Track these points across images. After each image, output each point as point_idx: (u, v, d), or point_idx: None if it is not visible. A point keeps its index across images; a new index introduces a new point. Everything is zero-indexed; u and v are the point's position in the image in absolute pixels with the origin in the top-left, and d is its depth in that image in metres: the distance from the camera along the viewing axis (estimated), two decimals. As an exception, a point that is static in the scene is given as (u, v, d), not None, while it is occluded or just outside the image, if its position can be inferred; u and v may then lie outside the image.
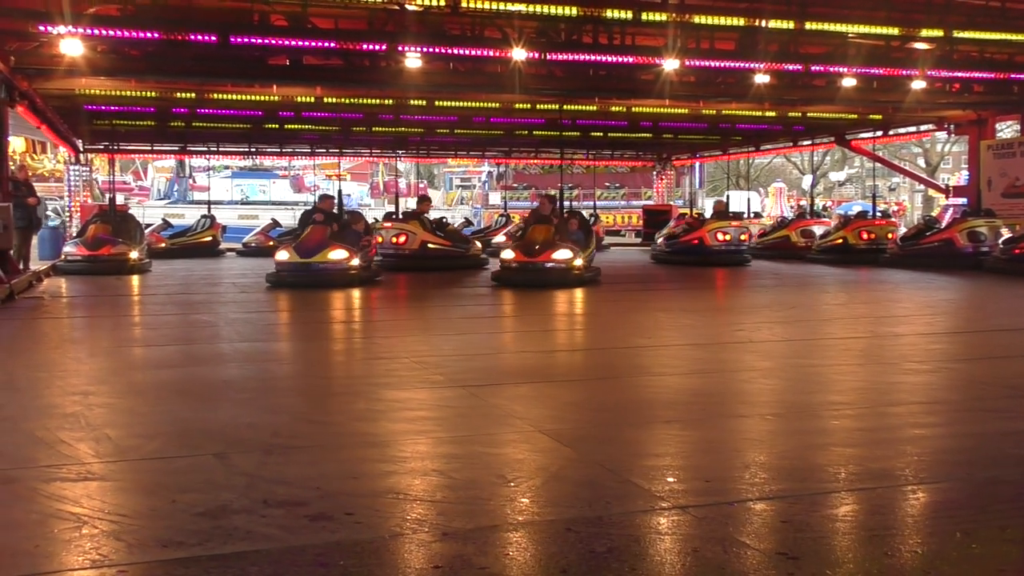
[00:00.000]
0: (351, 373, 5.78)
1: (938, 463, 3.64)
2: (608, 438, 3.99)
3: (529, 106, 17.80)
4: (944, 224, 18.20)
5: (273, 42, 11.59)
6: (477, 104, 17.68)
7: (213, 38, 11.08)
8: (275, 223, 23.20)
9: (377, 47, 12.00)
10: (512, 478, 3.33)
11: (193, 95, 16.14)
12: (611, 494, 3.12)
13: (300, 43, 11.63)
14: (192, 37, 11.15)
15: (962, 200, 21.04)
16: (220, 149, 27.16)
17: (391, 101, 17.24)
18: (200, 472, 3.38)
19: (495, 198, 37.54)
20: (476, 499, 3.09)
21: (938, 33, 11.79)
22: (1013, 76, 14.99)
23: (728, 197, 23.55)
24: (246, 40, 11.31)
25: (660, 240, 19.26)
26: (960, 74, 14.90)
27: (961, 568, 2.51)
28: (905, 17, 11.83)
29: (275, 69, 13.39)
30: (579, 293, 11.44)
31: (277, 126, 20.62)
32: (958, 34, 11.89)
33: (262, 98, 16.63)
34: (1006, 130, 24.68)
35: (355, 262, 12.33)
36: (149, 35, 10.98)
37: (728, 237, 16.75)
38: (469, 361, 6.28)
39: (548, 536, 2.74)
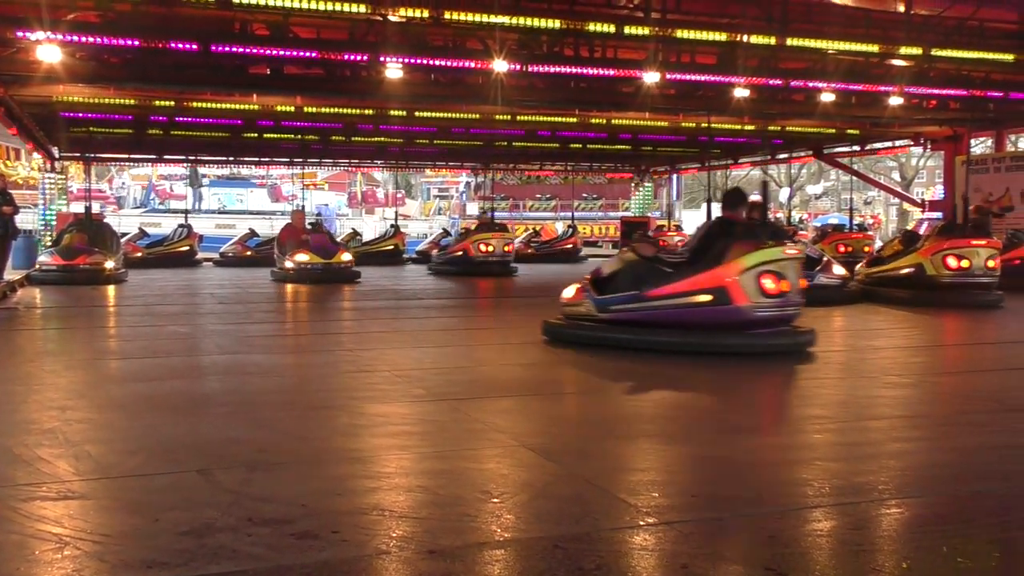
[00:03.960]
0: (332, 386, 5.74)
1: (922, 477, 3.66)
2: (593, 453, 3.98)
3: (509, 117, 17.82)
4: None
5: (254, 51, 11.55)
6: (457, 115, 17.69)
7: (194, 46, 11.02)
8: (252, 233, 23.09)
9: (358, 57, 11.98)
10: (497, 494, 3.32)
11: (172, 103, 16.04)
12: (598, 510, 3.11)
13: (281, 52, 11.61)
14: (172, 45, 11.09)
15: (937, 214, 21.26)
16: (198, 158, 27.01)
17: (371, 111, 17.20)
18: (183, 489, 3.34)
19: (473, 208, 37.53)
20: (462, 516, 3.07)
21: (916, 51, 11.91)
22: (989, 94, 15.19)
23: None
24: (227, 49, 11.25)
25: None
26: (937, 91, 15.09)
27: (947, 585, 2.52)
28: (884, 34, 11.96)
29: (255, 78, 13.35)
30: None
31: (256, 135, 20.53)
32: (936, 52, 12.03)
33: (242, 107, 16.55)
34: (979, 146, 24.97)
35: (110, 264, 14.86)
36: (129, 42, 10.92)
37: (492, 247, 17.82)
38: (450, 374, 6.26)
39: (536, 553, 2.73)
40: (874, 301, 11.27)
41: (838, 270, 11.51)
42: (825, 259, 11.62)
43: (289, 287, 14.39)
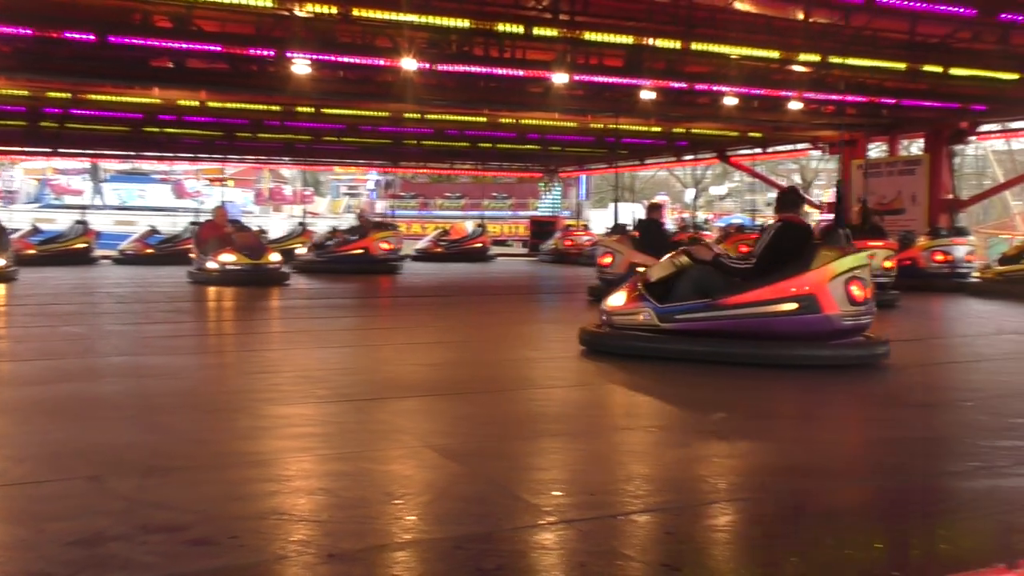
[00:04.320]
0: (233, 388, 5.63)
1: (815, 473, 3.77)
2: (496, 453, 3.99)
3: (419, 116, 17.78)
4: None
5: (156, 43, 11.25)
6: (366, 112, 17.56)
7: (91, 37, 10.67)
8: (153, 230, 22.46)
9: (265, 52, 11.78)
10: (400, 495, 3.30)
11: (68, 95, 15.51)
12: (499, 510, 3.12)
13: (184, 45, 11.33)
14: (68, 35, 10.71)
15: (834, 215, 21.96)
16: (96, 152, 26.15)
17: (278, 107, 16.96)
18: (73, 497, 3.22)
19: (382, 206, 37.29)
20: (363, 518, 3.05)
21: (815, 58, 12.30)
22: (882, 100, 15.79)
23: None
24: (127, 41, 10.93)
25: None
26: (834, 97, 15.61)
27: (836, 573, 2.61)
28: (784, 41, 12.31)
29: (157, 71, 13.00)
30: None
31: (158, 129, 20.00)
32: (833, 59, 12.43)
33: (142, 100, 16.12)
34: (874, 150, 25.89)
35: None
36: (22, 31, 10.51)
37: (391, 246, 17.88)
38: (354, 375, 6.20)
39: (436, 555, 2.72)
40: None
41: None
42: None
43: (209, 289, 13.96)
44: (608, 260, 12.02)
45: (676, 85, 14.12)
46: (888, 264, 11.71)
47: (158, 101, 16.21)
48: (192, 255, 15.85)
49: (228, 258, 14.00)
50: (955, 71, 13.10)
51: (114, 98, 15.84)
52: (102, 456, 3.80)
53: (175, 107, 16.71)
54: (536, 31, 11.15)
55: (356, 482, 3.49)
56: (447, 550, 2.74)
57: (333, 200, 44.85)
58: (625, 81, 13.55)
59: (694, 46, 11.89)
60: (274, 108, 17.08)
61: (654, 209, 12.67)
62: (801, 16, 12.04)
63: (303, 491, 3.37)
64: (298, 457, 3.87)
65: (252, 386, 5.71)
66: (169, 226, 26.34)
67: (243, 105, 16.74)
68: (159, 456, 3.81)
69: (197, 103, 16.42)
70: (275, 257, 14.68)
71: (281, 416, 4.73)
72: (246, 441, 4.21)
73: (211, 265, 14.01)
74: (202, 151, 25.80)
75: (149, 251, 21.06)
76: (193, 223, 22.53)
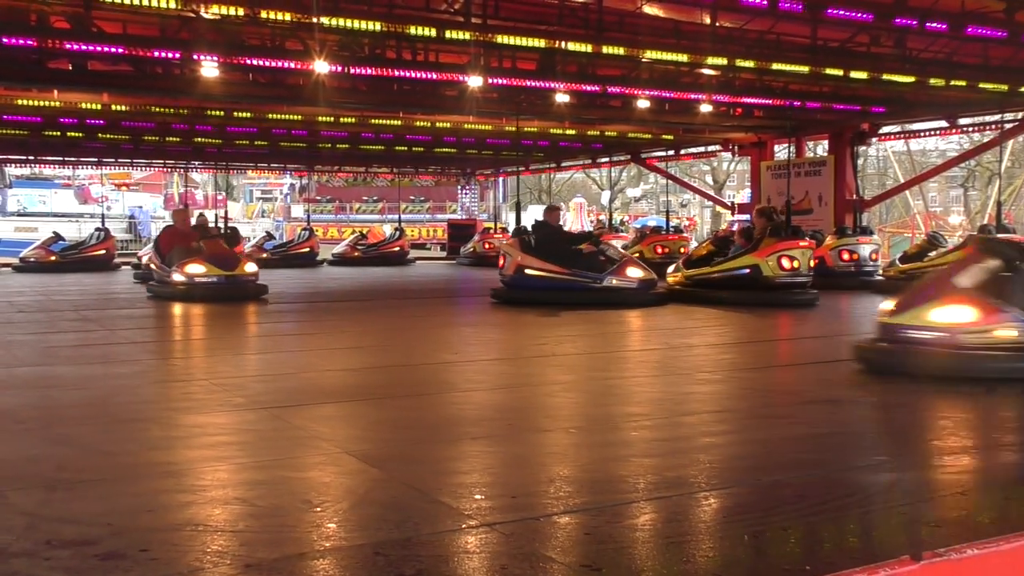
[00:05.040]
0: (144, 397, 5.47)
1: (728, 469, 3.85)
2: (416, 457, 3.97)
3: (332, 119, 17.60)
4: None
5: (53, 44, 10.88)
6: (278, 116, 17.31)
7: (-17, 38, 10.28)
8: (57, 236, 21.74)
9: (170, 54, 11.50)
10: (318, 503, 3.26)
11: (-43, 98, 14.93)
12: (420, 515, 3.10)
13: (84, 47, 10.96)
14: (-41, 35, 10.30)
15: (746, 216, 22.50)
16: (-6, 157, 25.21)
17: (186, 110, 16.58)
18: (-28, 514, 3.09)
19: (298, 211, 36.81)
20: (281, 527, 2.99)
21: (722, 61, 12.56)
22: (788, 103, 16.22)
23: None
24: (22, 41, 10.55)
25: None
26: (742, 100, 15.99)
27: (749, 568, 2.66)
28: (693, 45, 12.55)
29: (56, 73, 12.57)
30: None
31: (59, 133, 19.35)
32: (740, 63, 12.72)
33: (41, 103, 15.58)
34: (782, 151, 26.59)
35: None
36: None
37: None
38: (271, 381, 6.10)
39: (356, 561, 2.69)
40: (688, 302, 11.70)
41: (634, 272, 11.55)
42: (623, 260, 11.75)
43: (123, 298, 13.48)
44: (501, 262, 12.30)
45: (589, 88, 14.26)
46: (811, 264, 12.10)
47: (58, 104, 15.69)
48: (143, 264, 15.21)
49: (196, 269, 12.21)
50: (855, 74, 13.53)
51: (10, 101, 15.28)
52: (3, 471, 3.66)
53: (77, 110, 16.19)
54: (448, 34, 11.13)
55: (273, 490, 3.43)
56: (367, 556, 2.71)
57: (247, 205, 44.08)
58: (539, 84, 13.64)
59: (605, 49, 12.03)
60: (182, 111, 16.70)
61: (549, 211, 12.80)
62: (708, 20, 12.28)
63: (219, 501, 3.30)
64: (213, 467, 3.79)
65: (165, 395, 5.56)
66: (74, 232, 25.53)
67: (149, 108, 16.32)
68: (65, 469, 3.69)
69: (99, 106, 15.94)
70: (251, 267, 12.91)
71: (195, 425, 4.62)
72: (159, 452, 4.09)
73: (177, 278, 12.18)
74: (107, 155, 25.07)
75: (53, 258, 20.39)
76: (99, 229, 21.96)
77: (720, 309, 10.97)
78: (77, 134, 19.46)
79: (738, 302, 11.29)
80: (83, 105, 15.88)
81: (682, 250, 19.17)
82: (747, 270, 11.65)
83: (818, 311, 11.27)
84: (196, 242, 12.63)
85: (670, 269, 12.94)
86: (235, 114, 16.99)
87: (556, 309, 10.67)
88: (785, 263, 11.58)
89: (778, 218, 12.41)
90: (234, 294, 12.20)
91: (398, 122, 18.49)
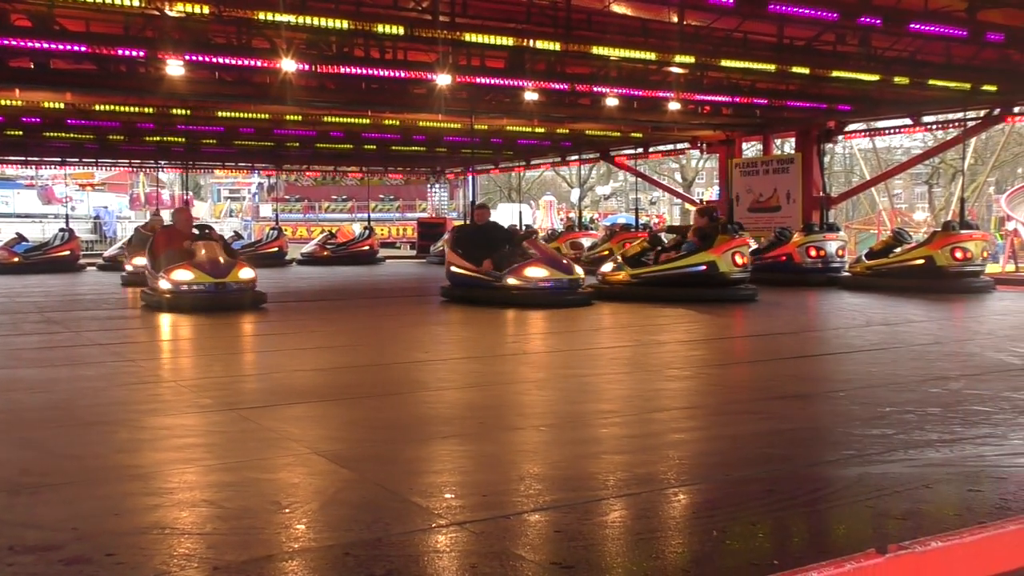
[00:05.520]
0: (110, 400, 5.41)
1: (697, 465, 3.88)
2: (386, 457, 3.96)
3: (300, 118, 17.50)
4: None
5: (14, 43, 10.72)
6: (245, 115, 17.17)
7: (-58, 36, 10.12)
8: (20, 237, 21.45)
9: (134, 53, 11.38)
10: (287, 504, 3.24)
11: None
12: (390, 515, 3.10)
13: (46, 45, 10.81)
14: (-84, 33, 10.14)
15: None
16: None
17: (151, 109, 16.40)
18: (-67, 520, 3.05)
19: (266, 210, 36.57)
20: (249, 528, 2.98)
21: (690, 59, 12.62)
22: (755, 101, 16.34)
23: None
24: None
25: None
26: (710, 98, 16.09)
27: (718, 564, 2.68)
28: (661, 43, 12.60)
29: (17, 72, 12.40)
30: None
31: (21, 133, 19.08)
32: (707, 61, 12.78)
33: (3, 103, 15.35)
34: (750, 149, 26.79)
35: None
36: None
37: None
38: (240, 383, 6.05)
39: (326, 562, 2.68)
40: (628, 300, 11.71)
41: (534, 272, 11.26)
42: (527, 260, 11.39)
43: (87, 298, 13.37)
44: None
45: (558, 86, 14.29)
46: (747, 260, 12.29)
47: (20, 103, 15.47)
48: (129, 268, 14.75)
49: (183, 276, 10.90)
50: (821, 72, 13.65)
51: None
52: (-34, 477, 3.61)
53: (39, 109, 15.98)
54: (416, 32, 11.10)
55: (242, 492, 3.41)
56: (336, 557, 2.70)
57: (215, 204, 43.72)
58: (508, 82, 13.64)
59: (573, 47, 12.04)
60: (147, 110, 16.52)
61: (478, 210, 12.94)
62: (675, 19, 12.34)
63: (186, 503, 3.27)
64: (180, 469, 3.75)
65: (131, 397, 5.50)
66: (38, 233, 25.20)
67: (113, 107, 16.13)
68: (29, 473, 3.64)
69: (62, 105, 15.74)
70: (247, 273, 11.40)
71: (163, 427, 4.57)
72: (125, 454, 4.05)
73: (163, 285, 10.93)
74: (71, 155, 24.76)
75: (16, 260, 20.12)
76: (63, 229, 21.68)
77: (664, 307, 11.01)
78: (41, 133, 19.19)
79: (676, 299, 11.39)
80: (46, 104, 15.67)
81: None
82: (703, 267, 11.76)
83: (780, 307, 11.38)
84: (189, 243, 11.42)
85: (607, 268, 12.82)
86: (202, 113, 16.84)
87: (529, 308, 10.69)
88: (738, 259, 11.81)
89: (718, 216, 12.69)
90: (227, 303, 10.88)
91: (367, 120, 18.41)
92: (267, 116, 17.55)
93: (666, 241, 12.87)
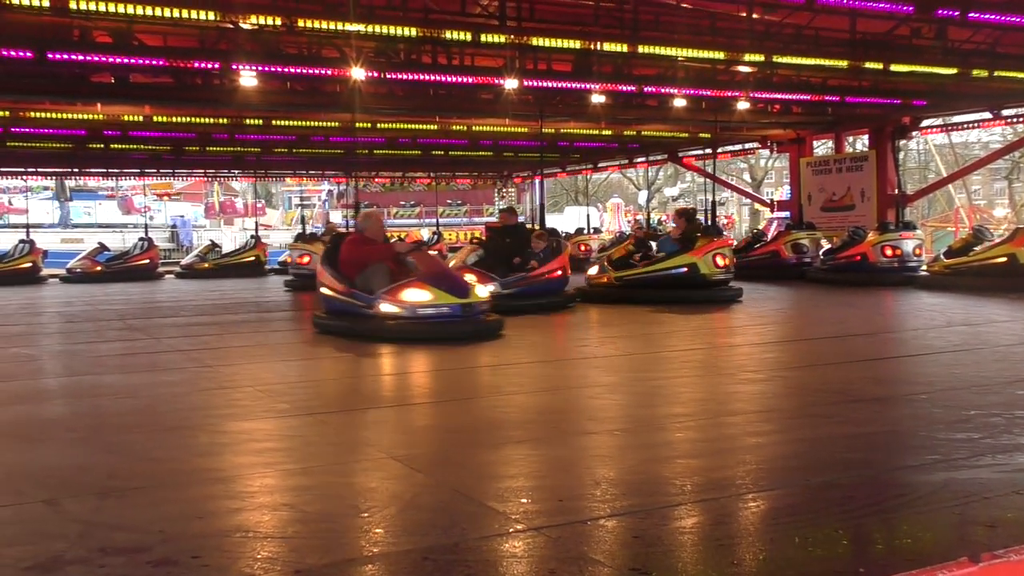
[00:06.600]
0: (190, 405, 5.54)
1: (775, 470, 3.81)
2: (461, 462, 3.97)
3: (369, 125, 17.70)
4: (770, 237, 19.24)
5: (96, 59, 11.06)
6: (316, 123, 17.44)
7: (28, 54, 10.47)
8: (102, 247, 22.09)
9: (210, 65, 11.65)
10: (365, 508, 3.27)
11: (7, 113, 15.21)
12: (466, 519, 3.11)
13: (126, 60, 11.14)
14: (4, 52, 10.51)
15: (785, 213, 22.29)
16: (38, 170, 25.64)
17: (225, 120, 16.76)
18: (28, 522, 3.15)
19: (336, 216, 37.05)
20: (329, 532, 3.01)
21: (759, 57, 12.45)
22: (827, 98, 16.03)
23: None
24: (65, 56, 10.74)
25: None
26: (780, 96, 15.83)
27: (801, 571, 2.63)
28: (729, 42, 12.45)
29: (99, 87, 12.80)
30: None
31: (102, 145, 19.67)
32: (777, 59, 12.59)
33: (85, 116, 15.85)
34: (821, 147, 26.29)
35: None
36: (-44, 50, 10.29)
37: None
38: (315, 387, 6.14)
39: (405, 567, 2.70)
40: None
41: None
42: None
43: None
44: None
45: (625, 88, 14.20)
46: (732, 261, 12.31)
47: (101, 117, 15.95)
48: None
49: (420, 296, 8.50)
50: (896, 67, 13.34)
51: (55, 115, 15.57)
52: (56, 479, 3.72)
53: (120, 122, 16.46)
54: (483, 38, 11.15)
55: (320, 496, 3.46)
56: (415, 561, 2.72)
57: (286, 212, 44.48)
58: (574, 85, 13.62)
59: (641, 49, 11.97)
60: (222, 121, 16.89)
61: (510, 213, 12.56)
62: (744, 15, 12.18)
63: (267, 507, 3.33)
64: (261, 472, 3.82)
65: (210, 402, 5.62)
66: (119, 243, 25.89)
67: (189, 119, 16.54)
68: (116, 477, 3.74)
69: (141, 118, 16.19)
70: (483, 291, 9.24)
71: (241, 431, 4.66)
72: (206, 458, 4.14)
73: (387, 308, 8.47)
74: (149, 166, 25.44)
75: (98, 269, 20.72)
76: (142, 238, 22.22)
77: (757, 304, 10.86)
78: (121, 145, 19.75)
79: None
80: (126, 117, 16.13)
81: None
82: (684, 269, 11.82)
83: (855, 308, 11.13)
84: (404, 255, 9.11)
85: (593, 271, 12.89)
86: (274, 122, 17.16)
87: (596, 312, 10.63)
88: (720, 261, 11.85)
89: (698, 219, 12.83)
90: (470, 331, 8.45)
91: (434, 126, 18.55)
92: (337, 124, 17.80)
93: (654, 245, 12.96)
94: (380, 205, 38.08)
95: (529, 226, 13.22)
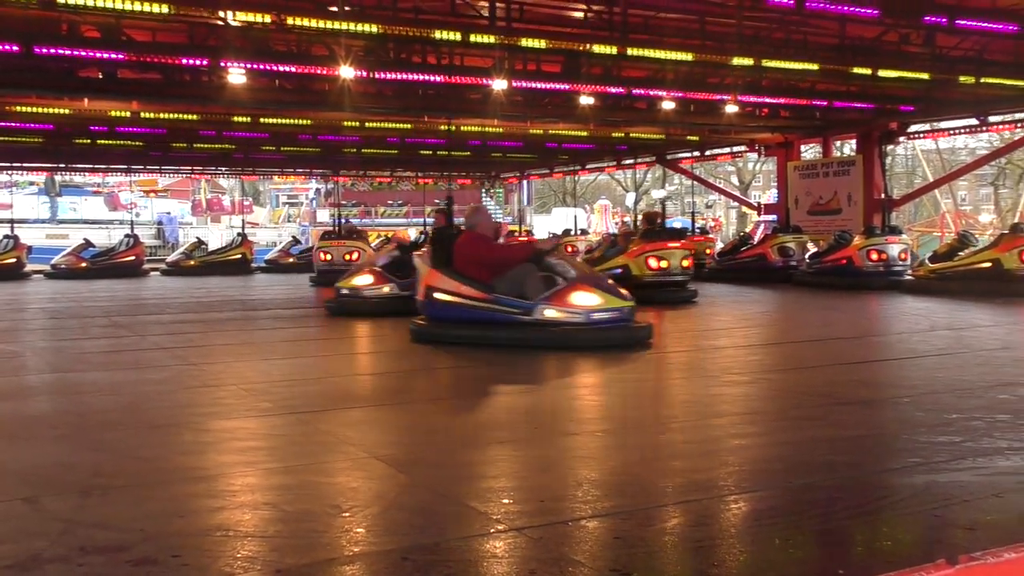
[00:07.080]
0: (174, 403, 5.51)
1: (757, 472, 3.82)
2: (443, 462, 3.97)
3: (358, 124, 17.68)
4: (757, 240, 19.30)
5: (84, 53, 11.00)
6: (304, 121, 17.41)
7: (15, 47, 10.40)
8: (88, 243, 21.99)
9: (198, 62, 11.60)
10: (347, 508, 3.27)
11: (-9, 106, 15.14)
12: (447, 519, 3.11)
13: (113, 55, 11.09)
14: (-10, 46, 10.45)
15: (772, 217, 22.38)
16: (23, 165, 25.48)
17: (213, 117, 16.70)
18: (8, 520, 3.13)
19: (324, 215, 36.97)
20: (310, 532, 3.01)
21: (748, 61, 12.48)
22: (815, 103, 16.10)
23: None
24: (53, 51, 10.68)
25: None
26: (768, 100, 15.88)
27: (782, 572, 2.64)
28: (718, 46, 12.48)
29: (87, 82, 12.72)
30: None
31: (89, 141, 19.57)
32: (766, 63, 12.63)
33: (72, 112, 15.75)
34: (809, 151, 26.39)
35: None
36: (-58, 43, 10.21)
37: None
38: (299, 386, 6.13)
39: (385, 567, 2.70)
40: None
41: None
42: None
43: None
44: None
45: (614, 90, 14.23)
46: (686, 263, 12.66)
47: (89, 112, 15.87)
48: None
49: (590, 300, 7.76)
50: (883, 73, 13.40)
51: (41, 109, 15.48)
52: (38, 476, 3.71)
53: (107, 118, 16.38)
54: (473, 38, 11.15)
55: (302, 495, 3.45)
56: (395, 561, 2.72)
57: (273, 210, 44.38)
58: (563, 87, 13.63)
59: (630, 51, 11.99)
60: (210, 118, 16.83)
61: (440, 214, 11.13)
62: (733, 20, 12.21)
63: (248, 506, 3.32)
64: (243, 471, 3.81)
65: (194, 400, 5.60)
66: (104, 239, 25.77)
67: (177, 115, 16.48)
68: (98, 475, 3.73)
69: (128, 113, 16.12)
70: (629, 295, 8.19)
71: (225, 430, 4.65)
72: (189, 456, 4.13)
73: (552, 314, 7.67)
74: (136, 162, 25.32)
75: (83, 265, 20.63)
76: (128, 235, 22.12)
77: (743, 306, 10.90)
78: (107, 141, 19.65)
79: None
80: (113, 112, 16.05)
81: (708, 251, 19.16)
82: (619, 270, 12.31)
83: (840, 312, 11.18)
84: (547, 254, 8.18)
85: None
86: (262, 120, 17.11)
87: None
88: (652, 263, 12.35)
89: (660, 223, 13.54)
90: (629, 337, 7.80)
91: (423, 126, 18.54)
92: (324, 122, 17.77)
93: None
94: (368, 204, 38.05)
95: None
